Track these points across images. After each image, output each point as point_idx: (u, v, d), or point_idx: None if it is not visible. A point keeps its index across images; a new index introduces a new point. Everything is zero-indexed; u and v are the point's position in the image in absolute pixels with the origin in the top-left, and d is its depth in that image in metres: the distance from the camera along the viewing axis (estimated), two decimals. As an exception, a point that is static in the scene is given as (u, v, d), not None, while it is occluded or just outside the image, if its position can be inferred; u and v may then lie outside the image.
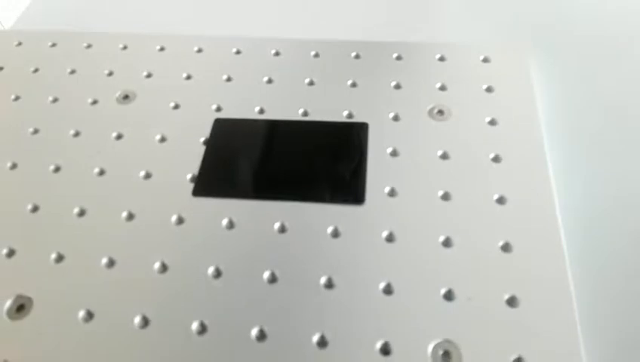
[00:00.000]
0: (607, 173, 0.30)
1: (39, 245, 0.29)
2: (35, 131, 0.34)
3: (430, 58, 0.34)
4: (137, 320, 0.26)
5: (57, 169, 0.32)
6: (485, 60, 0.34)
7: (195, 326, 0.25)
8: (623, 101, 0.33)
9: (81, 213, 0.30)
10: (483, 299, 0.25)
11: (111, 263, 0.28)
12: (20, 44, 0.39)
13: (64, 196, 0.30)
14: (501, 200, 0.28)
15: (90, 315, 0.26)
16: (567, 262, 0.26)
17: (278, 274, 0.27)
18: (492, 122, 0.31)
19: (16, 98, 0.36)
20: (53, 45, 0.39)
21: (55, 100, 0.35)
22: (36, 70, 0.37)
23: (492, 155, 0.30)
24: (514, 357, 0.23)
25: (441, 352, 0.24)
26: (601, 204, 0.29)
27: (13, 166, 0.32)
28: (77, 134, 0.33)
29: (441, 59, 0.34)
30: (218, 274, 0.27)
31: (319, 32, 0.37)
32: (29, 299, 0.27)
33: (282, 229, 0.28)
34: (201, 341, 0.25)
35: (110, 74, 0.36)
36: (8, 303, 0.27)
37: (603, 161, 0.30)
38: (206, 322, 0.25)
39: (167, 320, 0.26)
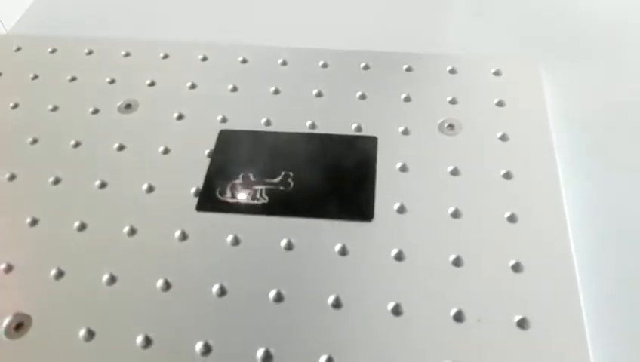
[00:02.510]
0: (620, 188, 0.29)
1: (38, 260, 0.28)
2: (34, 141, 0.33)
3: (441, 70, 0.34)
4: (139, 339, 0.25)
5: (57, 181, 0.31)
6: (497, 73, 0.33)
7: (199, 346, 0.25)
8: (636, 114, 0.32)
9: (82, 227, 0.29)
10: (493, 320, 0.25)
11: (112, 280, 0.27)
12: (19, 49, 0.38)
13: (64, 209, 0.30)
14: (512, 219, 0.27)
15: (90, 334, 0.25)
16: (578, 282, 0.25)
17: (284, 293, 0.26)
18: (503, 137, 0.30)
19: (15, 106, 0.35)
20: (54, 51, 0.38)
21: (55, 109, 0.34)
22: (36, 77, 0.36)
23: (503, 172, 0.29)
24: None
25: (452, 375, 0.23)
26: (613, 219, 0.28)
27: (12, 177, 0.31)
28: (77, 145, 0.32)
29: (452, 71, 0.34)
30: (223, 292, 0.26)
31: (327, 41, 0.36)
32: (28, 317, 0.26)
33: (289, 246, 0.27)
34: (205, 361, 0.24)
35: (112, 82, 0.35)
36: (6, 321, 0.26)
37: (615, 176, 0.30)
38: (210, 342, 0.25)
39: (171, 340, 0.25)
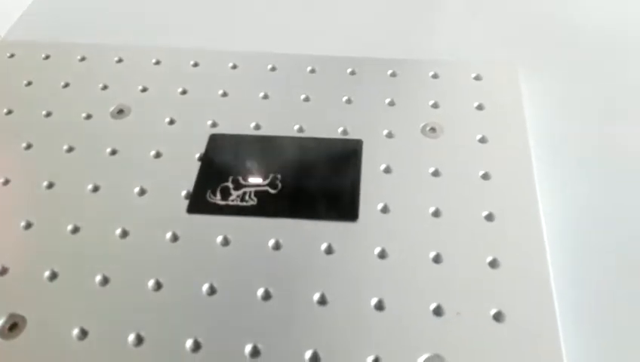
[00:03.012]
0: (594, 189, 0.30)
1: (32, 263, 0.29)
2: (28, 146, 0.34)
3: (424, 75, 0.35)
4: (131, 338, 0.26)
5: (50, 185, 0.32)
6: (477, 78, 0.34)
7: (189, 343, 0.25)
8: (611, 117, 0.33)
9: (75, 230, 0.30)
10: (471, 314, 0.26)
11: (105, 281, 0.28)
12: (12, 55, 0.39)
13: (57, 213, 0.30)
14: (490, 217, 0.28)
15: (84, 333, 0.26)
16: (551, 277, 0.26)
17: (272, 291, 0.27)
18: (482, 140, 0.31)
19: (9, 112, 0.36)
20: (47, 57, 0.39)
21: (48, 114, 0.35)
22: (29, 83, 0.37)
23: (482, 172, 0.30)
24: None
25: (430, 367, 0.24)
26: (587, 219, 0.29)
27: (6, 181, 0.32)
28: (70, 150, 0.33)
29: (435, 76, 0.35)
30: (212, 291, 0.27)
31: (315, 47, 0.37)
32: (22, 318, 0.27)
33: (277, 246, 0.28)
34: (195, 358, 0.25)
35: (105, 88, 0.36)
36: (0, 322, 0.27)
37: (590, 178, 0.31)
38: (200, 339, 0.26)
39: (161, 337, 0.26)
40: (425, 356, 0.24)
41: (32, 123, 0.35)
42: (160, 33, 0.41)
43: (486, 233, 0.28)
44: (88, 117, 0.35)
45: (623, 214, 0.29)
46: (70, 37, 0.41)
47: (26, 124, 0.35)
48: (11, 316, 0.27)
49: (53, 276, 0.28)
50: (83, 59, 0.38)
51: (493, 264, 0.27)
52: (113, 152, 0.33)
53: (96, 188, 0.31)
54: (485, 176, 0.30)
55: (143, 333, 0.26)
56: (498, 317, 0.25)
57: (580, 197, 0.30)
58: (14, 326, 0.27)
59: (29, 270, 0.28)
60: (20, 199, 0.31)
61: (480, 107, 0.33)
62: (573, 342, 0.24)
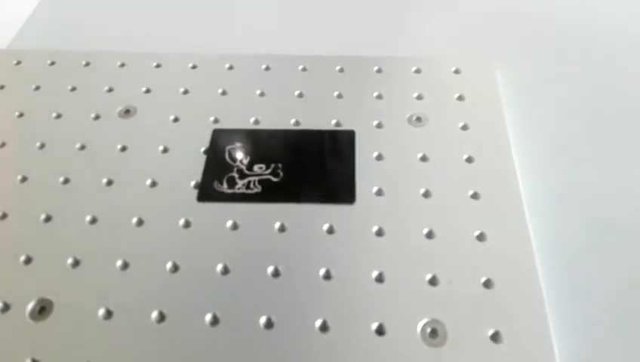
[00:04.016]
0: (570, 168, 0.34)
1: (55, 253, 0.31)
2: (42, 146, 0.36)
3: (407, 70, 0.38)
4: (154, 315, 0.28)
5: (66, 181, 0.34)
6: (456, 72, 0.38)
7: (208, 317, 0.28)
8: (580, 104, 0.37)
9: (93, 221, 0.32)
10: (462, 282, 0.29)
11: (125, 266, 0.30)
12: (19, 63, 0.41)
13: (75, 206, 0.33)
14: (475, 196, 0.32)
15: (109, 313, 0.29)
16: (532, 245, 0.30)
17: (281, 269, 0.29)
18: (464, 127, 0.35)
19: (20, 115, 0.38)
20: (52, 64, 0.41)
21: (58, 116, 0.37)
22: (37, 88, 0.39)
23: (465, 156, 0.33)
24: (491, 331, 0.27)
25: (429, 330, 0.27)
26: (562, 197, 0.32)
27: (24, 179, 0.34)
28: (82, 148, 0.35)
29: (417, 71, 0.38)
30: (226, 271, 0.30)
31: (305, 48, 0.40)
32: (50, 302, 0.29)
33: (282, 229, 0.31)
34: (214, 331, 0.28)
35: (110, 90, 0.39)
36: (30, 306, 0.29)
37: (563, 159, 0.34)
38: (218, 314, 0.28)
39: (182, 314, 0.28)
40: (424, 321, 0.27)
41: (44, 124, 0.37)
42: (158, 39, 0.43)
43: (472, 211, 0.31)
44: (97, 117, 0.37)
45: (597, 190, 0.33)
46: (71, 44, 0.43)
47: (38, 125, 0.37)
48: (40, 300, 0.29)
49: (76, 263, 0.30)
50: (87, 64, 0.40)
51: (480, 237, 0.30)
52: (123, 149, 0.35)
53: (110, 182, 0.34)
54: (469, 160, 0.33)
55: (165, 311, 0.28)
56: (487, 284, 0.28)
57: (557, 176, 0.33)
58: (43, 309, 0.29)
59: (52, 259, 0.31)
60: (37, 195, 0.33)
61: (460, 98, 0.36)
62: (554, 302, 0.28)
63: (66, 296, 0.29)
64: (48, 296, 0.29)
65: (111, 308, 0.29)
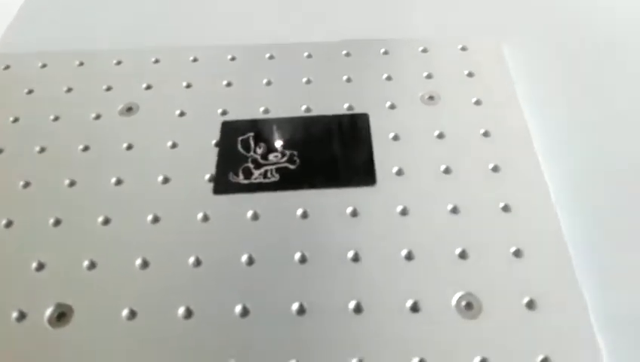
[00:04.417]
0: (583, 134, 0.34)
1: (68, 256, 0.29)
2: (42, 150, 0.34)
3: (414, 51, 0.38)
4: (181, 311, 0.27)
5: (72, 183, 0.32)
6: (463, 49, 0.37)
7: (238, 309, 0.27)
8: (587, 74, 0.37)
9: (106, 222, 0.31)
10: (491, 254, 0.28)
11: (145, 264, 0.29)
12: (7, 67, 0.40)
13: (84, 208, 0.31)
14: (495, 169, 0.31)
15: (132, 314, 0.27)
16: (557, 212, 0.29)
17: (307, 255, 0.29)
18: (477, 102, 0.34)
19: (15, 120, 0.36)
20: (44, 66, 0.39)
21: (56, 118, 0.36)
22: (31, 91, 0.38)
23: (482, 131, 0.33)
24: (526, 299, 0.27)
25: (463, 303, 0.27)
26: (580, 163, 0.32)
27: (26, 184, 0.33)
28: (86, 148, 0.34)
29: (424, 51, 0.38)
30: (251, 261, 0.29)
31: (304, 36, 0.39)
32: (69, 307, 0.28)
33: (305, 215, 0.30)
34: (245, 322, 0.27)
35: (108, 89, 0.37)
36: (48, 312, 0.28)
37: (577, 128, 0.34)
38: (248, 305, 0.27)
39: (210, 308, 0.27)
40: (458, 294, 0.27)
41: (42, 127, 0.35)
42: (150, 34, 0.42)
43: (494, 183, 0.31)
44: (98, 117, 0.36)
45: (607, 159, 0.33)
46: (60, 45, 0.41)
47: (35, 128, 0.35)
48: (58, 306, 0.28)
49: (92, 265, 0.29)
50: (81, 64, 0.39)
51: (505, 209, 0.30)
52: (129, 147, 0.34)
53: (119, 182, 0.32)
54: (486, 134, 0.33)
55: (192, 306, 0.27)
56: (517, 253, 0.28)
57: (573, 144, 0.33)
58: (62, 314, 0.28)
59: (66, 263, 0.29)
60: (43, 200, 0.32)
61: (470, 74, 0.36)
62: (579, 262, 0.27)
63: (85, 300, 0.28)
64: (67, 301, 0.28)
65: (135, 308, 0.27)
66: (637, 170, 0.32)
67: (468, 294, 0.27)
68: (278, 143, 0.33)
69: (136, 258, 0.29)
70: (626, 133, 0.34)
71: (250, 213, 0.30)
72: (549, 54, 0.38)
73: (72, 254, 0.30)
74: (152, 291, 0.28)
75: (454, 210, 0.30)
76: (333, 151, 0.33)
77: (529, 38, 0.39)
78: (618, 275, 0.28)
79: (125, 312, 0.27)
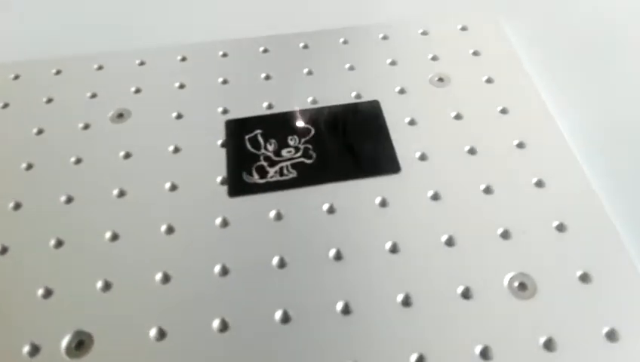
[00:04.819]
0: (598, 106, 0.34)
1: (78, 279, 0.27)
2: (29, 166, 0.31)
3: (414, 34, 0.36)
4: (216, 324, 0.25)
5: (70, 199, 0.30)
6: (464, 28, 0.37)
7: (278, 315, 0.25)
8: (586, 43, 0.37)
9: (114, 238, 0.28)
10: (534, 230, 0.27)
11: (166, 279, 0.27)
12: (-27, 82, 0.36)
13: (87, 225, 0.29)
14: (521, 145, 0.30)
15: (162, 334, 0.25)
16: (590, 180, 0.29)
17: (343, 251, 0.27)
18: (488, 80, 0.34)
19: (-7, 137, 0.33)
20: (17, 77, 0.36)
21: (40, 132, 0.33)
22: (6, 105, 0.34)
23: (499, 108, 0.32)
24: (579, 273, 0.26)
25: (516, 284, 0.26)
26: (602, 131, 0.32)
27: (17, 206, 0.29)
28: (79, 161, 0.31)
29: (424, 33, 0.36)
30: (282, 264, 0.27)
31: (300, 25, 0.38)
32: (88, 334, 0.25)
33: (331, 210, 0.28)
34: (286, 329, 0.25)
35: (93, 96, 0.34)
36: (65, 342, 0.25)
37: (590, 96, 0.34)
38: (289, 310, 0.25)
39: (245, 318, 0.25)
40: (509, 275, 0.26)
41: (25, 142, 0.32)
42: (127, 36, 0.39)
43: (521, 160, 0.30)
44: (86, 126, 0.33)
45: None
46: (27, 54, 0.38)
47: (18, 144, 0.32)
48: (77, 334, 0.25)
49: (107, 286, 0.26)
50: (59, 72, 0.36)
51: (539, 184, 0.29)
52: (127, 155, 0.31)
53: (122, 193, 0.30)
54: (503, 111, 0.32)
55: (227, 318, 0.25)
56: (560, 228, 0.27)
57: (590, 113, 0.33)
58: (81, 344, 0.25)
59: (78, 286, 0.26)
60: (38, 220, 0.29)
61: (476, 53, 0.35)
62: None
63: (104, 324, 0.25)
64: (84, 328, 0.25)
65: (163, 327, 0.25)
66: None
67: (520, 274, 0.26)
68: (290, 138, 0.31)
69: (155, 273, 0.27)
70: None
71: (272, 213, 0.28)
72: (544, 28, 0.38)
73: (82, 276, 0.27)
74: (179, 306, 0.26)
75: (487, 190, 0.29)
76: (349, 142, 0.31)
77: (520, 12, 0.39)
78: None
79: (153, 332, 0.25)
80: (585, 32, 0.37)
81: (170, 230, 0.28)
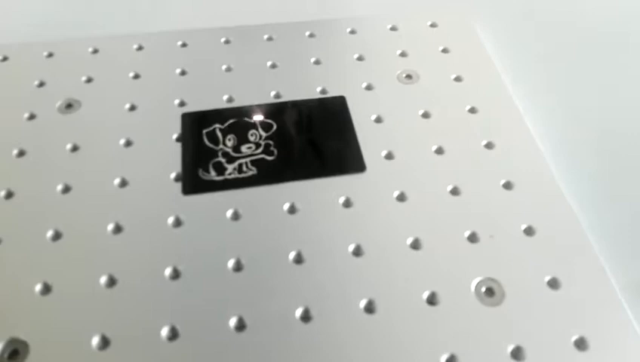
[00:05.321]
0: (566, 105, 0.33)
1: (14, 281, 0.25)
2: (-34, 160, 0.29)
3: (382, 29, 0.35)
4: (165, 333, 0.23)
5: (9, 195, 0.27)
6: (433, 25, 0.35)
7: (233, 322, 0.23)
8: (553, 40, 0.36)
9: (56, 236, 0.26)
10: (502, 234, 0.26)
11: (111, 282, 0.25)
12: None
13: (27, 223, 0.26)
14: (489, 146, 0.29)
15: (105, 342, 0.23)
16: (559, 184, 0.28)
17: (303, 252, 0.25)
18: (457, 79, 0.32)
19: None
20: (-46, 64, 0.33)
21: (-22, 122, 0.30)
22: (-60, 94, 0.32)
23: (468, 108, 0.31)
24: (547, 278, 0.25)
25: (483, 289, 0.24)
26: (569, 132, 0.31)
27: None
28: (22, 153, 0.29)
29: (393, 28, 0.35)
30: (239, 267, 0.25)
31: (265, 16, 0.36)
32: (23, 343, 0.23)
33: (292, 210, 0.27)
34: (242, 337, 0.23)
35: (41, 84, 0.32)
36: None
37: (558, 95, 0.33)
38: (244, 316, 0.24)
39: (199, 326, 0.23)
40: (476, 281, 0.25)
41: (-38, 134, 0.30)
42: (82, 24, 0.37)
43: (490, 160, 0.29)
44: (32, 117, 0.30)
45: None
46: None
47: (-46, 136, 0.30)
48: (10, 342, 0.23)
49: (46, 289, 0.24)
50: (5, 59, 0.33)
51: (507, 186, 0.28)
52: (75, 148, 0.29)
53: (67, 189, 0.28)
54: (472, 111, 0.31)
55: (178, 326, 0.23)
56: (528, 231, 0.26)
57: (558, 110, 0.32)
58: (15, 353, 0.23)
59: (12, 289, 0.24)
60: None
61: (445, 50, 0.34)
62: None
63: (42, 331, 0.23)
64: (19, 336, 0.23)
65: (107, 335, 0.23)
66: (622, 126, 0.32)
67: (487, 279, 0.25)
68: (250, 133, 0.30)
69: (100, 276, 0.25)
70: (607, 93, 0.33)
71: (229, 213, 0.27)
72: (514, 26, 0.37)
73: (18, 279, 0.25)
74: (125, 312, 0.24)
75: (455, 191, 0.28)
76: (313, 138, 0.30)
77: (490, 10, 0.38)
78: (630, 241, 0.27)
79: (96, 341, 0.23)
80: (556, 31, 0.37)
81: (118, 229, 0.26)
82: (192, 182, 0.28)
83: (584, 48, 0.36)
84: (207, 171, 0.28)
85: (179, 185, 0.28)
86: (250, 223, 0.27)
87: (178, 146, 0.29)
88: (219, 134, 0.30)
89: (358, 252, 0.26)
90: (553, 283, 0.25)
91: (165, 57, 0.34)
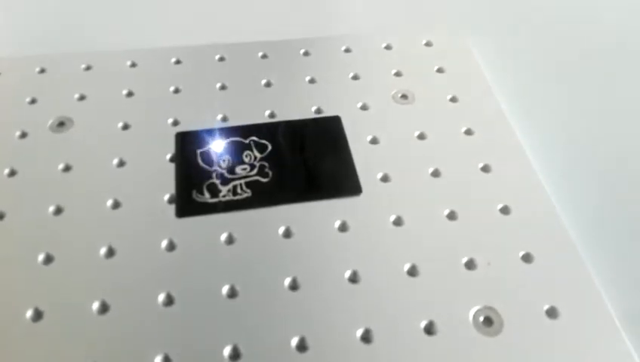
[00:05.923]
0: (564, 129, 0.33)
1: (6, 306, 0.24)
2: (-45, 179, 0.28)
3: (377, 48, 0.35)
4: (158, 361, 0.23)
5: (0, 216, 0.27)
6: (428, 44, 0.35)
7: (227, 352, 0.23)
8: (549, 59, 0.37)
9: (48, 260, 0.25)
10: (500, 261, 0.26)
11: (104, 308, 0.24)
12: None
13: (18, 244, 0.26)
14: (485, 169, 0.29)
15: (96, 369, 0.23)
16: (558, 210, 0.28)
17: (299, 279, 0.25)
18: (453, 99, 0.32)
19: None
20: (-56, 79, 0.33)
21: (-32, 140, 0.30)
22: None
23: (464, 129, 0.31)
24: (546, 307, 0.25)
25: (482, 318, 0.24)
26: (569, 156, 0.31)
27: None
28: (13, 173, 0.28)
29: (388, 47, 0.35)
30: (233, 293, 0.25)
31: (254, 35, 0.36)
32: (12, 370, 0.23)
33: (287, 234, 0.27)
34: (235, 367, 0.23)
35: (33, 101, 0.32)
36: None
37: (556, 116, 0.33)
38: (240, 346, 0.23)
39: (193, 353, 0.23)
40: (474, 309, 0.25)
41: (-49, 152, 0.29)
42: (73, 38, 0.37)
43: (487, 184, 0.29)
44: (23, 135, 0.30)
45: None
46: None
47: (-57, 154, 0.29)
48: (-1, 371, 0.22)
49: (37, 316, 0.24)
50: (-6, 74, 0.33)
51: (504, 211, 0.28)
52: (67, 168, 0.29)
53: (59, 210, 0.27)
54: (468, 132, 0.31)
55: (170, 354, 0.23)
56: (526, 258, 0.26)
57: (555, 133, 0.32)
58: None
59: (3, 314, 0.24)
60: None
61: (440, 70, 0.34)
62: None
63: (36, 358, 0.23)
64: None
65: (98, 363, 0.23)
66: (620, 144, 0.32)
67: (486, 308, 0.24)
68: (245, 154, 0.29)
69: (92, 301, 0.24)
70: (606, 115, 0.33)
71: (224, 236, 0.26)
72: (510, 46, 0.37)
73: (9, 302, 0.24)
74: (117, 339, 0.23)
75: (451, 216, 0.27)
76: (308, 160, 0.29)
77: (485, 29, 0.38)
78: (629, 270, 0.27)
79: (86, 368, 0.23)
80: (551, 50, 0.37)
81: (110, 253, 0.26)
82: (186, 204, 0.27)
83: (580, 67, 0.36)
84: (202, 193, 0.28)
85: (172, 208, 0.27)
86: (245, 247, 0.26)
87: (172, 167, 0.29)
88: (213, 155, 0.29)
89: (354, 278, 0.25)
90: (551, 312, 0.24)
91: (159, 74, 0.33)
